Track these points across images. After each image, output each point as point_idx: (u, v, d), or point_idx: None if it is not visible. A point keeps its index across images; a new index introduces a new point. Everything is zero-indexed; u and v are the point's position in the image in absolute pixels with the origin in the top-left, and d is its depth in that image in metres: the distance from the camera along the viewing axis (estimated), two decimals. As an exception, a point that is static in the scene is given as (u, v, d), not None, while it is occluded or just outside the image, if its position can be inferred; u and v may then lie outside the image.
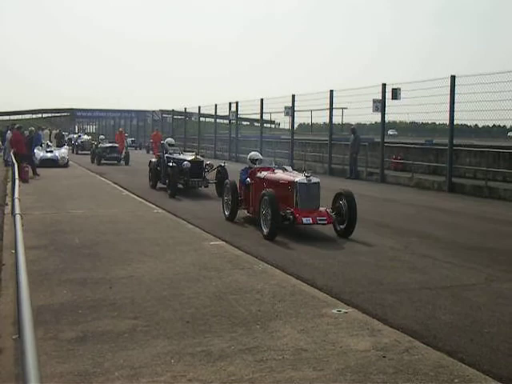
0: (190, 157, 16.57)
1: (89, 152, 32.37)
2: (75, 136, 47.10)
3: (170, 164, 15.77)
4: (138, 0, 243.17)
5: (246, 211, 11.35)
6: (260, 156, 12.06)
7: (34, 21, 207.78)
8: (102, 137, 32.49)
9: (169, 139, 18.83)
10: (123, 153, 28.86)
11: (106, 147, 29.09)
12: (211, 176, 16.29)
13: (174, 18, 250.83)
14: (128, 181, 19.41)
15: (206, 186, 16.03)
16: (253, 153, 12.26)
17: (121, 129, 39.46)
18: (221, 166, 15.94)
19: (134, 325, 4.95)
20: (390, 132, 37.07)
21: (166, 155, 17.06)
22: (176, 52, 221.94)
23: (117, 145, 29.51)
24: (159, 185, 17.28)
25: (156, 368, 4.05)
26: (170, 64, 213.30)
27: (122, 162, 28.32)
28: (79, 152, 37.98)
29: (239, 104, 32.92)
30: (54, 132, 45.69)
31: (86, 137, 42.97)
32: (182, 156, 16.94)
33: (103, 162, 28.04)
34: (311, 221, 9.54)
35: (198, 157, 16.91)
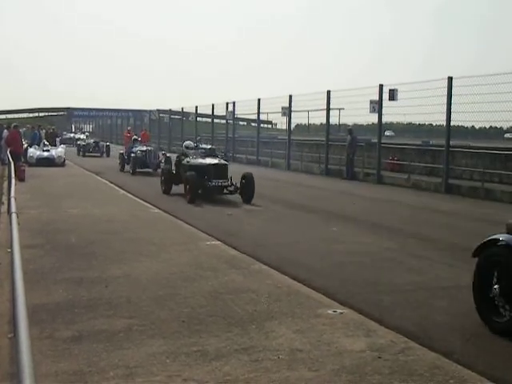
0: None
1: (151, 171, 19.92)
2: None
3: None
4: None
5: None
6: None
7: (34, 18, 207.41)
8: (188, 143, 16.52)
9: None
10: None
11: (206, 166, 14.58)
12: None
13: (174, 16, 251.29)
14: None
15: None
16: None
17: (129, 127, 38.29)
18: None
19: (129, 324, 4.94)
20: (387, 133, 37.18)
21: None
22: (174, 51, 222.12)
23: (226, 162, 15.18)
24: None
25: (151, 367, 4.05)
26: (168, 63, 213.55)
27: (235, 194, 14.38)
28: (137, 169, 21.71)
29: (236, 104, 32.92)
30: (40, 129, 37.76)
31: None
32: None
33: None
34: None
35: None
